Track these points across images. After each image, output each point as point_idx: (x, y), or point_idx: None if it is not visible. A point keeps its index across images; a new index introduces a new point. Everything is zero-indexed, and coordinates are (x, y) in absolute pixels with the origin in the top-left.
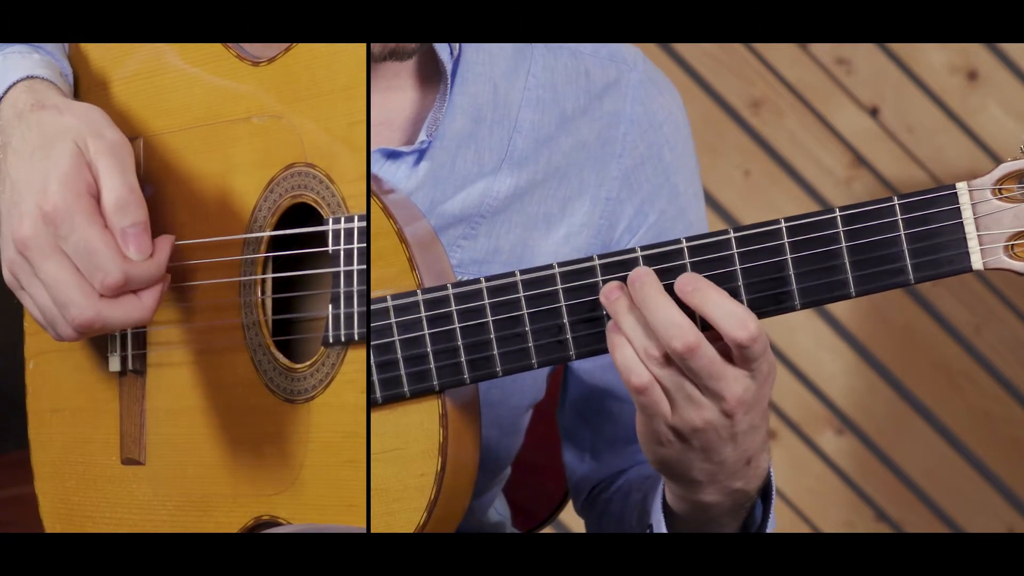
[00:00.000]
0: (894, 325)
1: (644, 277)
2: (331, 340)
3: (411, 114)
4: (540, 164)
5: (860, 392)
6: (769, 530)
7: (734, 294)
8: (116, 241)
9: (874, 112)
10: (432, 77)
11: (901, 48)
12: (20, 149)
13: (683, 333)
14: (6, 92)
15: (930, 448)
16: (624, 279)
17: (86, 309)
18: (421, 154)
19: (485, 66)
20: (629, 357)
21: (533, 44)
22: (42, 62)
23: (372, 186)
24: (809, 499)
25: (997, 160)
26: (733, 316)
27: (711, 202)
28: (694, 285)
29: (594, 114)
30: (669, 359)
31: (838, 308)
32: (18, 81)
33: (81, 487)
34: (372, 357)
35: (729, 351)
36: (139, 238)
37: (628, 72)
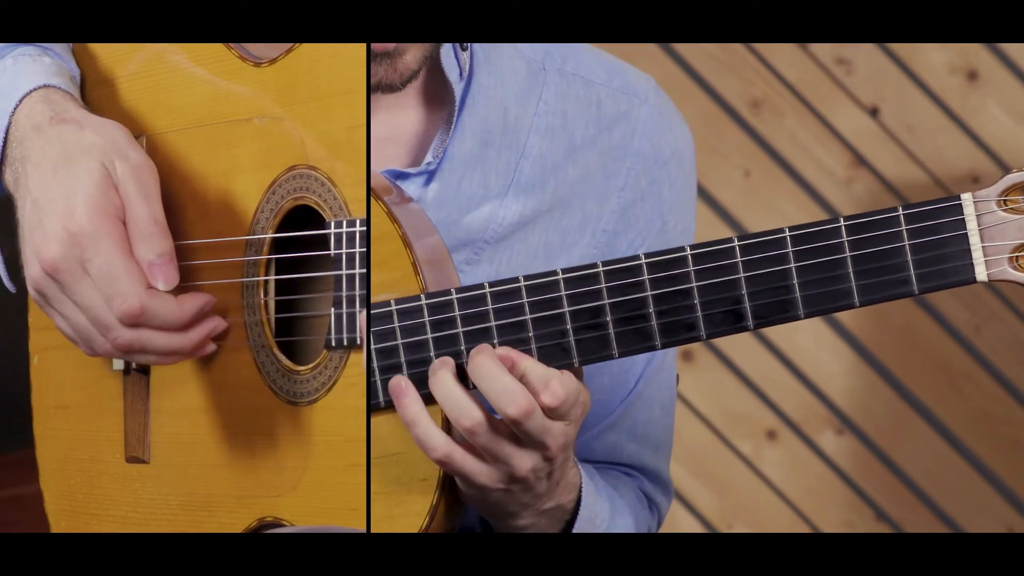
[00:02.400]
0: (894, 325)
1: (481, 348)
2: (333, 343)
3: (418, 131)
4: (547, 193)
5: (860, 392)
6: (581, 520)
7: (738, 302)
8: (140, 270)
9: (874, 112)
10: (440, 96)
11: (901, 48)
12: (41, 164)
13: (517, 399)
14: (21, 101)
15: (930, 448)
16: (626, 287)
17: (129, 330)
18: (430, 175)
19: (496, 88)
20: (428, 430)
21: (546, 68)
22: (53, 67)
23: (382, 194)
24: (809, 499)
25: (997, 160)
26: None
27: (711, 202)
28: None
29: (602, 145)
30: (487, 425)
31: None
32: (33, 90)
33: (86, 484)
34: (375, 361)
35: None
36: (166, 269)
37: (639, 105)
